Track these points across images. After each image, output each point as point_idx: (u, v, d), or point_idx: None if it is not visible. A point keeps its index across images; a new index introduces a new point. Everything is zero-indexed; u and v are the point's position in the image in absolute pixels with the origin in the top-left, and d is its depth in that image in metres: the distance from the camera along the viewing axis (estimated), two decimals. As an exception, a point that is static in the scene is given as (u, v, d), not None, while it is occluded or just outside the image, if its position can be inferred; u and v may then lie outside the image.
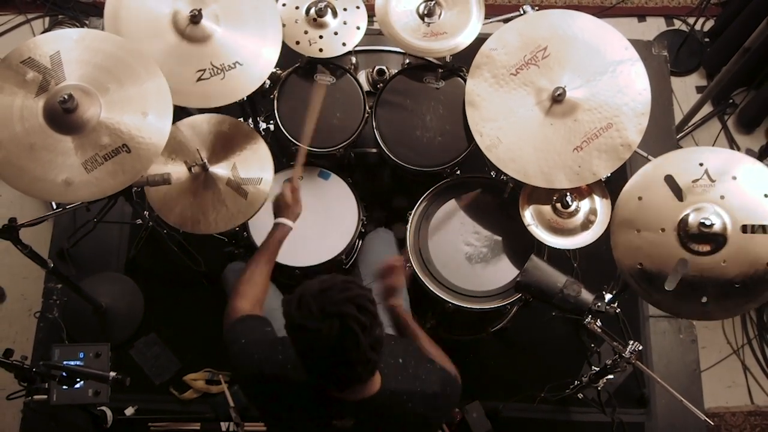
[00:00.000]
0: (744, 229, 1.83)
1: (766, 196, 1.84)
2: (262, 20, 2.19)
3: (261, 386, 1.56)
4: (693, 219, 1.85)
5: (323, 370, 1.39)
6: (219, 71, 2.12)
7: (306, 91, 2.42)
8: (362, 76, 2.67)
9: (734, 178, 1.88)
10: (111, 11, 2.12)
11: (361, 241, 2.45)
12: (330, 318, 1.30)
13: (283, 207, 1.89)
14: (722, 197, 1.87)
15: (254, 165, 2.20)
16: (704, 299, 1.83)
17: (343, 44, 2.35)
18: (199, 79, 2.11)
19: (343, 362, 1.34)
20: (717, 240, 1.83)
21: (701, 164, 1.89)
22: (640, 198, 1.92)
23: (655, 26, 3.65)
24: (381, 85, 2.49)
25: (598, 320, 2.04)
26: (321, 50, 2.34)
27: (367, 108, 2.41)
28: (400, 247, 2.45)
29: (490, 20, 2.46)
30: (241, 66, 2.13)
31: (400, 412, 1.53)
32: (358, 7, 2.40)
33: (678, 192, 1.90)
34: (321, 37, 2.35)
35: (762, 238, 1.82)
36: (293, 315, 1.33)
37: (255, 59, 2.16)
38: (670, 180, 1.92)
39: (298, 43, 2.34)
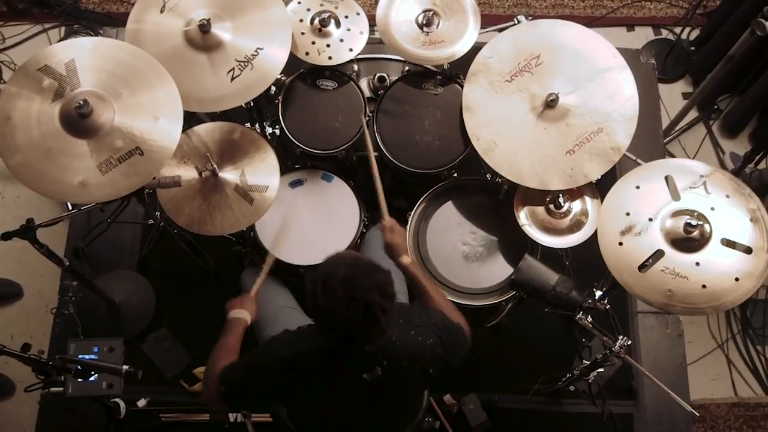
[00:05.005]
0: (724, 242, 1.88)
1: (751, 221, 1.90)
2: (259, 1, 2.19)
3: (285, 375, 1.59)
4: (680, 218, 1.88)
5: (339, 339, 1.46)
6: (246, 63, 2.13)
7: (309, 96, 2.42)
8: (363, 83, 2.67)
9: (728, 196, 1.94)
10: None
11: (362, 240, 2.45)
12: (356, 304, 1.35)
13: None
14: (712, 209, 1.92)
15: (262, 172, 2.20)
16: (669, 292, 1.86)
17: (350, 50, 2.36)
18: (233, 78, 2.12)
19: (361, 337, 1.43)
20: (696, 243, 1.88)
21: (702, 176, 1.97)
22: (637, 187, 1.97)
23: (643, 35, 3.65)
24: (381, 91, 2.49)
25: (589, 316, 2.04)
26: (330, 58, 2.35)
27: (368, 113, 2.41)
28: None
29: (486, 30, 2.46)
30: (262, 50, 2.14)
31: (416, 345, 1.58)
32: (358, 14, 2.41)
33: (675, 192, 1.93)
34: (328, 45, 2.36)
35: (736, 254, 1.88)
36: (319, 298, 1.38)
37: (271, 37, 2.16)
38: (669, 180, 1.95)
39: (307, 54, 2.34)
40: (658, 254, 1.89)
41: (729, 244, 1.88)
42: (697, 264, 1.87)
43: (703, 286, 1.85)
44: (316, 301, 1.39)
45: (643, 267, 1.88)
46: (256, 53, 2.13)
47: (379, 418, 1.70)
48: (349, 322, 1.37)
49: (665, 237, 1.91)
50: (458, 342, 1.68)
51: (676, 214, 1.92)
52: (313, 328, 1.66)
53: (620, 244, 1.91)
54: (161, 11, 2.17)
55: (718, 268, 1.87)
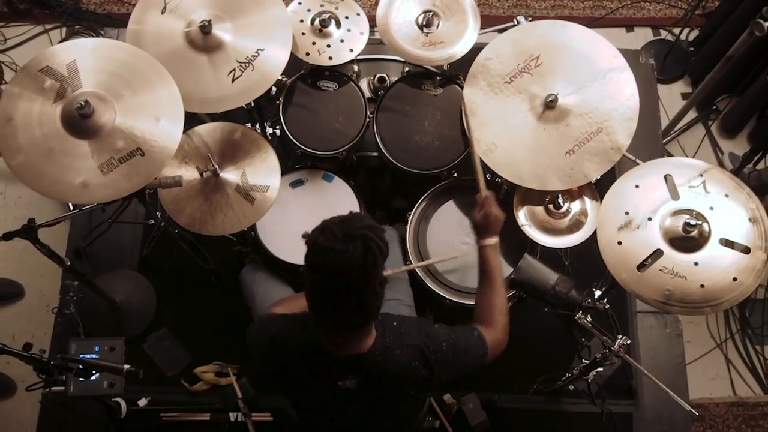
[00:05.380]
0: (723, 242, 1.88)
1: (750, 220, 1.89)
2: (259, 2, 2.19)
3: (271, 354, 1.60)
4: (679, 218, 1.88)
5: (336, 302, 1.39)
6: (247, 65, 2.13)
7: (310, 97, 2.42)
8: (364, 84, 2.67)
9: (727, 195, 1.93)
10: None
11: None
12: (354, 240, 1.34)
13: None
14: (711, 208, 1.92)
15: (263, 172, 2.20)
16: (667, 291, 1.86)
17: (351, 50, 2.36)
18: (234, 80, 2.12)
19: (360, 289, 1.37)
20: (695, 243, 1.88)
21: (701, 175, 1.96)
22: (637, 186, 1.97)
23: (642, 36, 3.65)
24: (382, 92, 2.49)
25: (588, 315, 2.04)
26: (331, 58, 2.35)
27: (368, 113, 2.41)
28: (401, 247, 2.46)
29: (486, 30, 2.46)
30: (263, 51, 2.14)
31: (397, 367, 1.54)
32: (358, 14, 2.41)
33: (674, 191, 1.93)
34: (329, 46, 2.36)
35: (734, 254, 1.87)
36: (318, 241, 1.36)
37: (272, 38, 2.16)
38: (669, 179, 1.95)
39: (308, 54, 2.34)
40: (657, 254, 1.89)
41: (728, 243, 1.88)
42: (696, 264, 1.87)
43: (702, 286, 1.85)
44: (314, 245, 1.37)
45: (642, 266, 1.88)
46: (257, 54, 2.14)
47: (361, 421, 1.68)
48: (349, 261, 1.33)
49: (664, 236, 1.91)
50: (456, 358, 1.61)
51: (676, 213, 1.92)
52: (307, 318, 1.63)
53: (619, 243, 1.91)
54: (162, 12, 2.17)
55: (716, 267, 1.87)
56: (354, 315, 1.42)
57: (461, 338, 1.65)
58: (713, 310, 1.88)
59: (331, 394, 1.57)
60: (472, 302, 2.23)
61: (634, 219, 1.93)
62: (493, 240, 1.83)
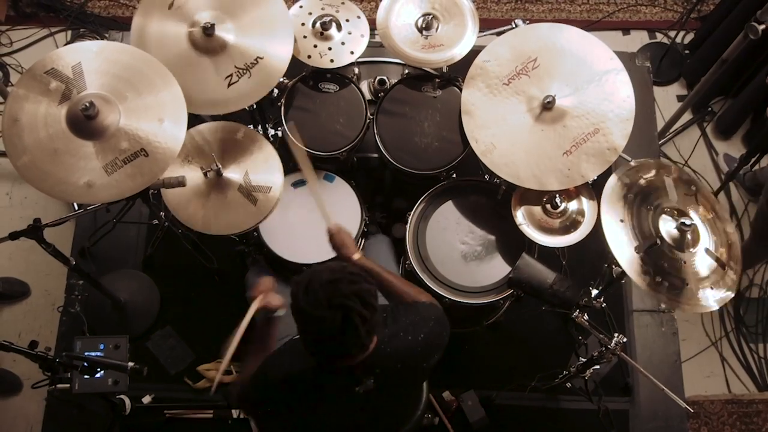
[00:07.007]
0: (707, 251, 1.90)
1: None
2: (265, 8, 2.18)
3: (281, 394, 1.55)
4: (678, 217, 1.88)
5: (319, 350, 1.41)
6: (244, 71, 2.12)
7: (311, 99, 2.42)
8: (364, 86, 2.67)
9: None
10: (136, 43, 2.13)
11: (364, 240, 2.45)
12: (334, 309, 1.31)
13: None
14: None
15: (265, 173, 2.20)
16: (658, 279, 1.86)
17: (351, 52, 2.35)
18: (230, 84, 2.11)
19: (339, 347, 1.37)
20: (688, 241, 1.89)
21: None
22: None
23: (638, 39, 3.65)
24: (382, 94, 2.49)
25: (586, 314, 2.04)
26: (332, 60, 2.34)
27: (368, 115, 2.41)
28: (398, 248, 2.46)
29: (484, 33, 2.47)
30: (262, 59, 2.13)
31: (407, 348, 1.53)
32: (359, 17, 2.41)
33: (672, 192, 1.94)
34: (330, 48, 2.35)
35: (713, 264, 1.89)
36: (300, 299, 1.35)
37: (272, 48, 2.15)
38: (667, 181, 1.97)
39: (309, 57, 2.34)
40: (654, 244, 1.89)
41: (710, 254, 1.89)
42: (684, 263, 1.88)
43: (686, 283, 1.87)
44: (297, 303, 1.36)
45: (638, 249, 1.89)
46: (255, 62, 2.12)
47: (378, 422, 1.68)
48: (327, 329, 1.32)
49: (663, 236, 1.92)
50: (443, 323, 1.64)
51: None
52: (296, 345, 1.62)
53: (621, 221, 1.93)
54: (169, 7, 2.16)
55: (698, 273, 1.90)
56: (348, 351, 1.42)
57: (427, 305, 1.68)
58: (691, 311, 1.89)
59: (350, 403, 1.55)
60: (469, 301, 2.23)
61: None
62: (357, 255, 1.83)
